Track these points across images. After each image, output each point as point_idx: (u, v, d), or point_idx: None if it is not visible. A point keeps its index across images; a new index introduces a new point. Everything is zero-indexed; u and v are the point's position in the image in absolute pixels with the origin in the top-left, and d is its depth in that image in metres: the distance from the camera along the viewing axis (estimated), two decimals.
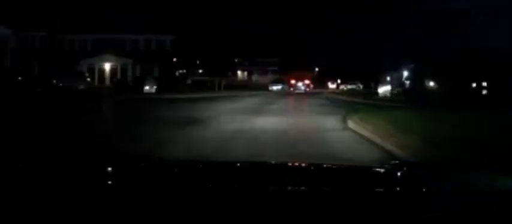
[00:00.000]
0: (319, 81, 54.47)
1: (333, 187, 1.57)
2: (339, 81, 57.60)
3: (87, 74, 28.19)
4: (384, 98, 29.09)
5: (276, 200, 1.26)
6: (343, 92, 40.63)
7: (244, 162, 2.66)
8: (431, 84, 37.73)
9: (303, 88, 34.95)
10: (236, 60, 69.76)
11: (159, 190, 1.37)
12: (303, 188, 1.54)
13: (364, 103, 21.06)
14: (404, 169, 2.09)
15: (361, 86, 54.45)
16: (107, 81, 36.77)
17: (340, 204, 1.26)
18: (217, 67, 50.78)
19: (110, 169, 1.81)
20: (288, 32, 69.98)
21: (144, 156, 3.92)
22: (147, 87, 29.25)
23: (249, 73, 69.94)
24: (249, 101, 21.00)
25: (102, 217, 1.18)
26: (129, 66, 38.62)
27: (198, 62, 52.53)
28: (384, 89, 34.10)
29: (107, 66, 38.70)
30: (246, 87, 41.38)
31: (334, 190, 1.50)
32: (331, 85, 54.89)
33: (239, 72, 70.99)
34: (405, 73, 43.76)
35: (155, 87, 29.74)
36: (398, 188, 1.65)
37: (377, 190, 1.56)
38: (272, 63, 69.93)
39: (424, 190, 1.56)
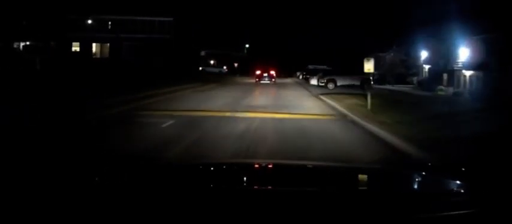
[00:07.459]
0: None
1: (336, 188, 1.61)
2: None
3: None
4: None
5: (275, 200, 1.29)
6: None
7: (243, 162, 2.78)
8: None
9: (267, 80, 31.10)
10: (90, 22, 36.55)
11: (162, 192, 1.38)
12: (305, 188, 1.55)
13: None
14: (404, 169, 2.18)
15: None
16: None
17: (343, 204, 1.28)
18: None
19: (113, 171, 1.81)
20: None
21: (145, 158, 3.51)
22: None
23: (114, 47, 36.78)
24: None
25: (103, 218, 1.19)
26: None
27: None
28: None
29: None
30: None
31: (336, 190, 1.54)
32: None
33: (94, 45, 37.92)
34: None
35: None
36: (398, 189, 1.67)
37: (378, 190, 1.60)
38: (161, 27, 37.46)
39: (423, 190, 1.62)
